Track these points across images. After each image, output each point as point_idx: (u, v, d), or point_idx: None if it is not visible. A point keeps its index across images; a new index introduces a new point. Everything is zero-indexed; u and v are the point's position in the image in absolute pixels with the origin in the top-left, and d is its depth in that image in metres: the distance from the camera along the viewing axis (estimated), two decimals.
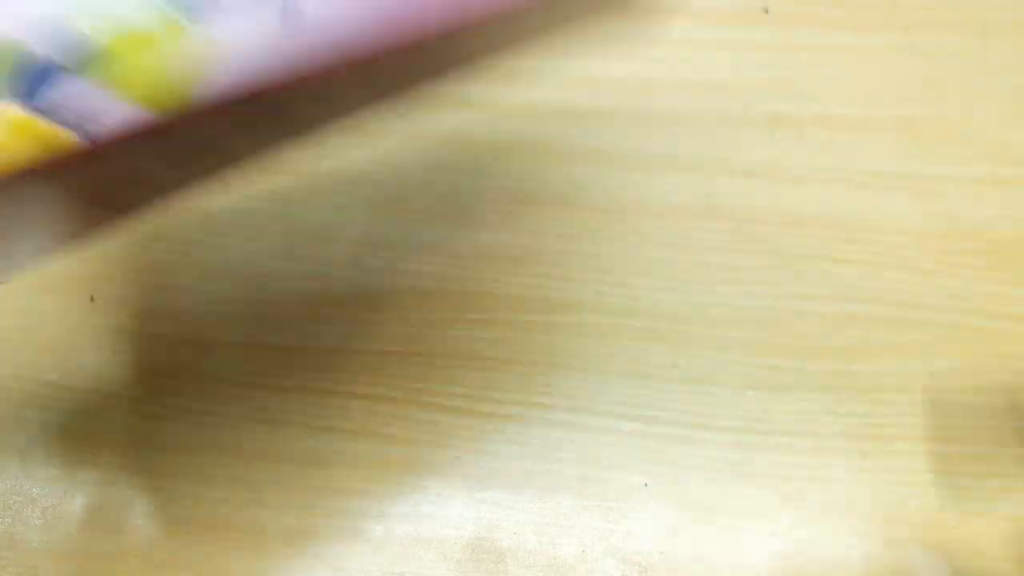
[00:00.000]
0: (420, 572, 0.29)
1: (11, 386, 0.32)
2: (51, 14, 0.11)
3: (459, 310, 0.33)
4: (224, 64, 0.13)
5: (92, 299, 0.34)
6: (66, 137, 0.12)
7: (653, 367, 0.32)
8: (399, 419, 0.32)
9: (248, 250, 0.35)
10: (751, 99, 0.37)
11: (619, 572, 0.29)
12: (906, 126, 0.40)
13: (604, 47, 0.39)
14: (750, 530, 0.29)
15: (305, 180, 0.36)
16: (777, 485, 0.30)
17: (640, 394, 0.32)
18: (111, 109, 0.12)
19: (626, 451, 0.31)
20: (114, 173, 0.14)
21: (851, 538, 0.29)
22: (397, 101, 0.17)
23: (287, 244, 0.35)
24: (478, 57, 0.17)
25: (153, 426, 0.32)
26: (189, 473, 0.31)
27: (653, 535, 0.29)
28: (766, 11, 0.40)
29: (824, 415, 0.31)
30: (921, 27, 0.43)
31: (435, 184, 0.36)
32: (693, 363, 0.32)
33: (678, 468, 0.31)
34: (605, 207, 0.35)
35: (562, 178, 0.36)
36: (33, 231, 0.16)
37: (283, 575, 0.29)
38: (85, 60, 0.12)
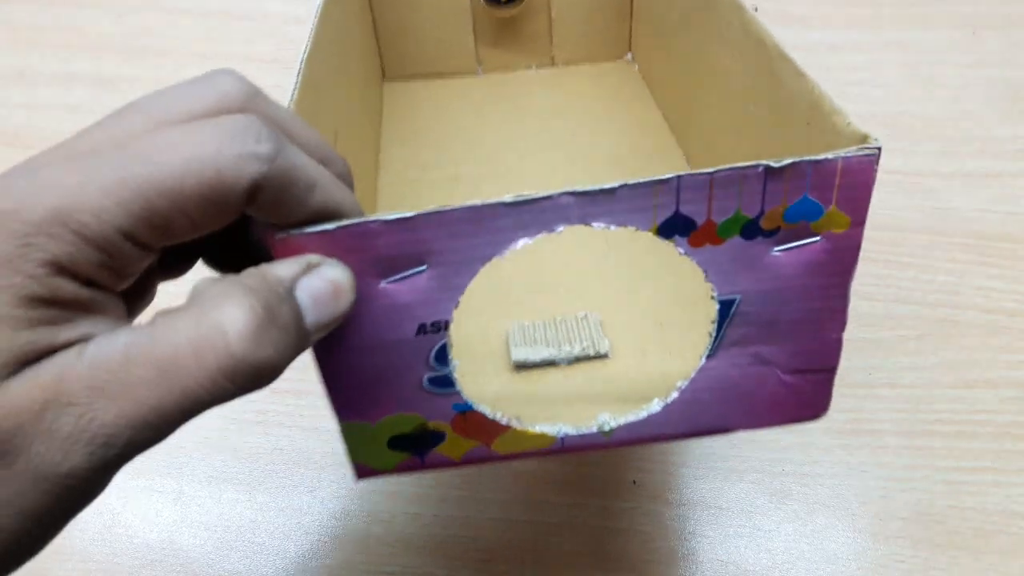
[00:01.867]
0: (410, 571, 0.29)
1: None
2: None
3: None
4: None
5: None
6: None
7: None
8: None
9: None
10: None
11: (608, 569, 0.29)
12: (895, 122, 0.40)
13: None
14: (739, 526, 0.30)
15: None
16: (766, 481, 0.30)
17: None
18: None
19: (615, 449, 0.31)
20: None
21: (840, 533, 0.29)
22: None
23: None
24: None
25: None
26: (187, 474, 0.32)
27: (642, 532, 0.30)
28: (755, 10, 0.40)
29: None
30: (909, 23, 0.43)
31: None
32: None
33: (667, 465, 0.31)
34: None
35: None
36: None
37: (253, 569, 0.30)
38: None
